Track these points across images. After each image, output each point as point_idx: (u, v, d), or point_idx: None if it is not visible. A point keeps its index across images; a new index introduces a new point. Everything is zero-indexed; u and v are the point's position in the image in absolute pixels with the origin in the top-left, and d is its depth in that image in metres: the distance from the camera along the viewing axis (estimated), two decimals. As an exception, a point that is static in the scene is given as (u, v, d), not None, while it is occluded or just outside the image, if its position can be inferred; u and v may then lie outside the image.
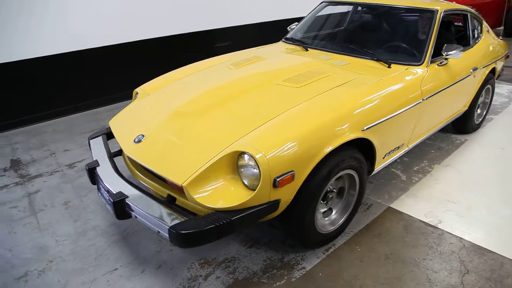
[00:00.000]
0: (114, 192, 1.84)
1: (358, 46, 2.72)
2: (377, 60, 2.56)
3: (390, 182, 2.82)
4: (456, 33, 3.39)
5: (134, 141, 2.03)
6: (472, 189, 2.72)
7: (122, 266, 2.05)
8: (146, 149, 1.97)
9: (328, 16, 3.20)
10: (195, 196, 1.69)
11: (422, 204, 2.56)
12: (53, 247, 2.20)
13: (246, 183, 1.73)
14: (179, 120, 2.08)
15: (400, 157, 3.14)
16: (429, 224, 2.36)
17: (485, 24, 3.56)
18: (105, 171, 2.04)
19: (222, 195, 1.72)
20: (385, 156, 2.37)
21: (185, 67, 2.85)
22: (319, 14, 3.24)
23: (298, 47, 2.99)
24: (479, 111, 3.69)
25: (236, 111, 2.06)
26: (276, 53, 2.91)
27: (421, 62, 2.55)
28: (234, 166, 1.76)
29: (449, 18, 3.31)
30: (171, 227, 1.60)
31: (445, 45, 2.62)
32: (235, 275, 2.00)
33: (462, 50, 2.64)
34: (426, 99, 2.46)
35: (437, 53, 2.65)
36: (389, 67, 2.50)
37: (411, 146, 2.64)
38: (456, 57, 2.64)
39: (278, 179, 1.69)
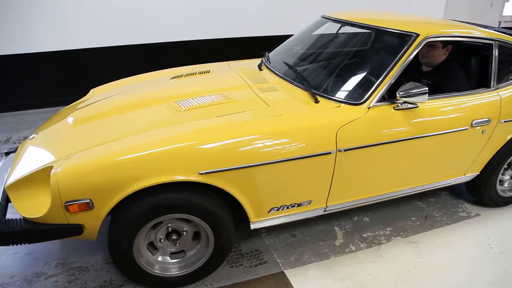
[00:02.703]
0: None
1: (302, 71, 2.23)
2: (306, 90, 2.07)
3: (316, 242, 2.27)
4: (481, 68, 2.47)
5: (29, 138, 2.13)
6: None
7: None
8: (25, 146, 2.04)
9: (310, 34, 2.71)
10: (13, 198, 1.71)
11: (326, 284, 1.98)
12: None
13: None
14: (67, 125, 2.07)
15: (362, 215, 2.50)
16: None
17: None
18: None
19: (32, 204, 1.70)
20: (270, 210, 1.92)
21: (145, 73, 2.83)
22: (307, 31, 2.78)
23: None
24: (513, 180, 2.65)
25: (110, 125, 1.96)
26: (226, 69, 2.62)
27: (361, 101, 1.95)
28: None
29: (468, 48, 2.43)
30: None
31: (405, 83, 1.93)
32: (70, 285, 1.94)
33: (470, 94, 2.02)
34: (346, 151, 1.87)
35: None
36: (316, 101, 1.99)
37: (337, 206, 2.07)
38: (419, 101, 1.93)
39: (68, 204, 1.58)
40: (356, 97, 1.97)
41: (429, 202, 2.67)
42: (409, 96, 1.89)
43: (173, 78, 2.53)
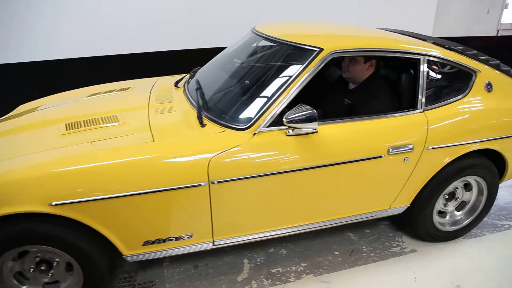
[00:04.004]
0: None
1: (203, 91, 2.04)
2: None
3: (216, 276, 2.06)
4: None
5: None
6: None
7: None
8: None
9: (234, 48, 2.50)
10: None
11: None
12: None
13: None
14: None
15: (280, 247, 2.27)
16: None
17: (491, 77, 2.16)
18: None
19: None
20: (144, 243, 1.75)
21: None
22: (234, 44, 2.58)
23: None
24: (457, 213, 2.32)
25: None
26: (147, 86, 2.47)
27: (246, 126, 1.75)
28: None
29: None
30: None
31: (298, 105, 1.70)
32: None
33: (389, 116, 1.85)
34: (221, 182, 1.67)
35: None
36: (202, 125, 1.81)
37: (229, 240, 1.87)
38: (308, 128, 1.70)
39: None
40: (243, 121, 1.77)
41: (362, 234, 2.40)
42: (295, 122, 1.67)
43: (90, 95, 2.42)
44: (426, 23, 4.93)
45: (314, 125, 1.68)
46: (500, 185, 2.90)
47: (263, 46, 2.12)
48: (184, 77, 2.46)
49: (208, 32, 4.18)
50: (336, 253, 2.25)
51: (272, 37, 2.06)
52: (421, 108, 1.99)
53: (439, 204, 2.28)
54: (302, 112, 1.66)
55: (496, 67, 2.23)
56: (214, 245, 1.89)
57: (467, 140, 2.05)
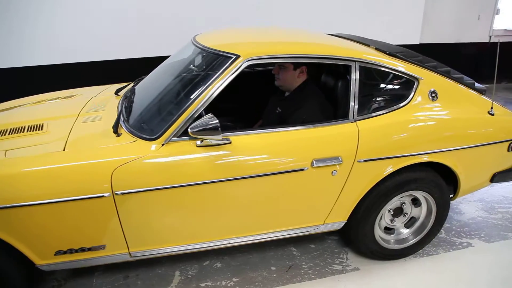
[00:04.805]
0: None
1: (130, 100, 2.01)
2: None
3: (143, 288, 2.03)
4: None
5: None
6: None
7: None
8: None
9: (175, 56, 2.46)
10: None
11: None
12: None
13: None
14: None
15: (216, 259, 2.20)
16: None
17: (437, 85, 2.00)
18: None
19: None
20: (56, 253, 1.73)
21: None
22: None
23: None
24: (404, 231, 2.17)
25: None
26: (91, 94, 2.45)
27: (155, 136, 1.69)
28: None
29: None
30: None
31: (205, 115, 1.64)
32: None
33: (315, 127, 1.78)
34: (126, 194, 1.63)
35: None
36: (117, 135, 1.77)
37: (148, 252, 1.83)
38: (213, 139, 1.64)
39: None
40: (154, 131, 1.72)
41: (305, 249, 2.29)
42: (199, 133, 1.61)
43: (36, 102, 2.45)
44: (412, 30, 4.75)
45: (218, 136, 1.62)
46: (469, 199, 2.72)
47: (196, 55, 2.07)
48: (127, 85, 2.45)
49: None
50: (273, 268, 2.15)
51: (201, 45, 2.00)
52: (352, 118, 1.88)
53: (385, 220, 2.14)
54: (205, 122, 1.59)
55: (445, 74, 2.08)
56: (132, 257, 1.85)
57: (405, 152, 1.91)
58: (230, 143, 1.71)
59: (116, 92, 2.36)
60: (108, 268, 2.16)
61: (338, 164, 1.83)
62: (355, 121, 1.88)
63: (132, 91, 2.14)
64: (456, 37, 4.97)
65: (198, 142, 1.68)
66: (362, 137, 1.85)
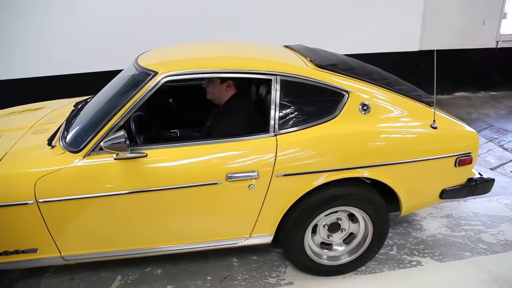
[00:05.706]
0: None
1: (77, 113, 2.15)
2: (56, 134, 2.00)
3: (84, 291, 2.14)
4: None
5: None
6: None
7: None
8: None
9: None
10: None
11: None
12: None
13: None
14: None
15: (158, 266, 2.28)
16: None
17: (370, 98, 1.93)
18: None
19: None
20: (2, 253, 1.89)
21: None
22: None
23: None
24: (339, 248, 2.11)
25: None
26: (57, 106, 2.64)
27: (78, 148, 1.80)
28: None
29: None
30: None
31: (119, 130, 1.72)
32: None
33: (232, 141, 1.83)
34: (47, 202, 1.75)
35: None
36: (51, 147, 1.92)
37: (80, 256, 1.94)
38: (121, 152, 1.72)
39: None
40: (78, 144, 1.84)
41: (246, 260, 2.29)
42: (109, 147, 1.70)
43: (7, 114, 2.68)
44: (410, 37, 4.53)
45: (126, 150, 1.70)
46: (435, 214, 2.61)
47: (132, 73, 2.15)
48: (88, 98, 2.60)
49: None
50: (209, 278, 2.19)
51: (135, 63, 2.09)
52: (273, 132, 1.87)
53: (320, 235, 2.10)
54: (114, 138, 1.68)
55: (385, 86, 2.00)
56: (65, 260, 1.97)
57: (329, 167, 1.87)
58: (146, 156, 1.79)
59: (76, 105, 2.52)
60: (59, 269, 2.32)
61: (254, 179, 1.84)
62: (275, 135, 1.87)
63: (83, 105, 2.29)
64: (460, 43, 4.68)
65: (115, 155, 1.77)
66: (281, 151, 1.84)
